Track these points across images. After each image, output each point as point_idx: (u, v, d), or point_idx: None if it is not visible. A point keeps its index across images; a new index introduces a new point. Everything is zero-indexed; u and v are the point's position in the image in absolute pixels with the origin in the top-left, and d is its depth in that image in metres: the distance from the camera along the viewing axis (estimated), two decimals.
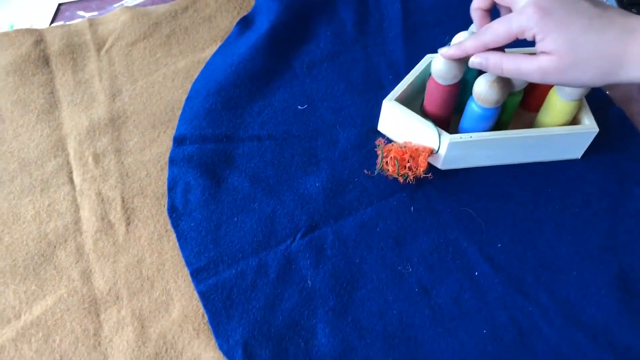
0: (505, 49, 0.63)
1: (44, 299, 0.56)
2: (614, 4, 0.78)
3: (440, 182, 0.63)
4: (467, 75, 0.61)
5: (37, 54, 0.75)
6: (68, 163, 0.66)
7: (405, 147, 0.61)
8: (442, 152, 0.60)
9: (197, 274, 0.57)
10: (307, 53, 0.76)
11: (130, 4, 0.85)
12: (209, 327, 0.54)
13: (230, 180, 0.63)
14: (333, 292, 0.56)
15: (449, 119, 0.63)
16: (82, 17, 0.83)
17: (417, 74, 0.65)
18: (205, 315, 0.55)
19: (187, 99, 0.71)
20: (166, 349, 0.53)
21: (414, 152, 0.60)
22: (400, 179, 0.62)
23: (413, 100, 0.66)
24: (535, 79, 0.49)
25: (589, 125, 0.61)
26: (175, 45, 0.77)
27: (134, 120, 0.69)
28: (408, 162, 0.60)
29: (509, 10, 0.52)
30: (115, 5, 0.85)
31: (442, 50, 0.55)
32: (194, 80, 0.73)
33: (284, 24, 0.77)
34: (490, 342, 0.53)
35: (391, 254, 0.58)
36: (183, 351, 0.53)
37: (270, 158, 0.65)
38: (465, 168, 0.64)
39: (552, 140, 0.61)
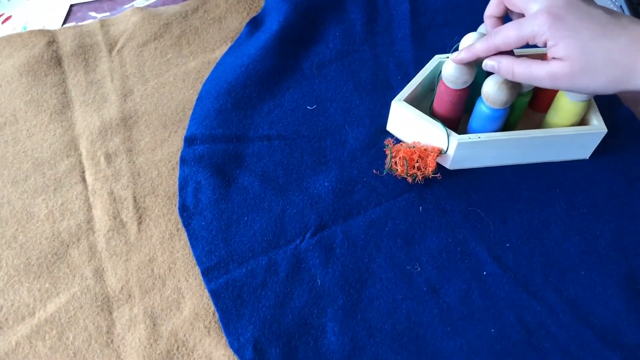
0: (515, 50, 0.63)
1: (58, 296, 0.57)
2: (624, 4, 0.78)
3: (449, 182, 0.63)
4: (477, 76, 0.61)
5: (50, 54, 0.76)
6: (80, 163, 0.67)
7: (414, 147, 0.61)
8: (451, 152, 0.61)
9: (207, 273, 0.58)
10: (316, 53, 0.76)
11: (141, 5, 0.85)
12: (220, 325, 0.55)
13: (240, 179, 0.64)
14: (342, 291, 0.56)
15: (458, 120, 0.64)
16: (94, 17, 0.84)
17: (425, 74, 0.65)
18: (216, 314, 0.55)
19: (198, 99, 0.72)
20: (177, 347, 0.54)
21: (423, 152, 0.61)
22: (409, 179, 0.62)
23: (422, 101, 0.66)
24: (546, 84, 0.49)
25: (598, 126, 0.61)
26: (185, 45, 0.78)
27: (145, 120, 0.70)
28: (417, 162, 0.61)
29: (522, 17, 0.52)
30: (126, 6, 0.86)
31: (453, 56, 0.56)
32: (204, 80, 0.74)
33: (293, 24, 0.77)
34: (498, 341, 0.53)
35: (400, 253, 0.59)
36: (194, 349, 0.54)
37: (280, 158, 0.66)
38: (473, 168, 0.64)
39: (560, 141, 0.61)
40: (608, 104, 0.68)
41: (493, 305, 0.55)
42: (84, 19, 0.84)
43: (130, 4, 0.86)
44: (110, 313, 0.56)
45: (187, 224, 0.61)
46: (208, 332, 0.55)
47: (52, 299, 0.57)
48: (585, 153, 0.64)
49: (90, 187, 0.65)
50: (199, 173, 0.64)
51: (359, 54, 0.76)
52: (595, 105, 0.62)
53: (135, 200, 0.63)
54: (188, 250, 0.60)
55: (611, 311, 0.55)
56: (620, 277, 0.57)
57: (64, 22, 0.84)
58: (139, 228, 0.61)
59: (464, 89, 0.59)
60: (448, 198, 0.62)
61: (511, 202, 0.62)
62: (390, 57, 0.76)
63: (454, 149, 0.60)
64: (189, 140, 0.67)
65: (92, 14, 0.85)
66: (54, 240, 0.61)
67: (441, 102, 0.61)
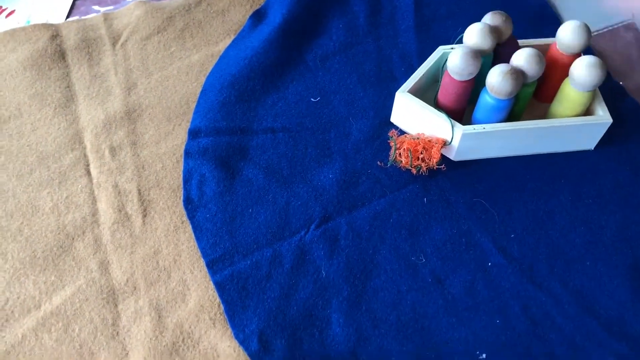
0: (519, 41, 0.63)
1: (63, 289, 0.57)
2: None
3: (453, 173, 0.63)
4: (482, 67, 0.61)
5: (54, 48, 0.76)
6: (85, 156, 0.67)
7: (418, 138, 0.61)
8: (455, 143, 0.61)
9: (212, 265, 0.58)
10: (319, 46, 0.76)
11: None
12: (225, 316, 0.55)
13: (244, 172, 0.64)
14: (347, 282, 0.57)
15: (462, 111, 0.64)
16: (97, 11, 0.84)
17: (429, 65, 0.65)
18: (221, 305, 0.56)
19: (202, 92, 0.72)
20: (183, 339, 0.54)
21: (427, 144, 0.60)
22: (414, 171, 0.62)
23: (426, 92, 0.66)
24: None
25: (603, 116, 0.61)
26: (189, 39, 0.78)
27: (149, 114, 0.70)
28: (421, 153, 0.60)
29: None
30: None
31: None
32: (208, 73, 0.74)
33: (296, 17, 0.77)
34: (503, 332, 0.53)
35: (404, 244, 0.59)
36: (200, 340, 0.54)
37: (284, 150, 0.66)
38: (478, 159, 0.64)
39: (565, 131, 0.61)
40: (613, 94, 0.67)
41: (498, 296, 0.55)
42: (87, 13, 0.84)
43: None
44: (116, 305, 0.57)
45: (191, 216, 0.61)
46: (213, 324, 0.55)
47: (57, 292, 0.57)
48: (590, 143, 0.64)
49: (95, 180, 0.65)
50: (203, 166, 0.64)
51: (362, 46, 0.76)
52: (600, 96, 0.62)
53: (139, 193, 0.63)
54: (193, 242, 0.60)
55: (617, 301, 0.55)
56: (626, 267, 0.57)
57: (68, 16, 0.84)
58: (143, 221, 0.62)
59: (469, 80, 0.59)
60: (453, 189, 0.62)
61: (516, 192, 0.62)
62: (394, 48, 0.75)
63: (459, 140, 0.60)
64: (193, 133, 0.67)
65: (96, 7, 0.85)
66: (59, 233, 0.61)
67: (446, 93, 0.61)
